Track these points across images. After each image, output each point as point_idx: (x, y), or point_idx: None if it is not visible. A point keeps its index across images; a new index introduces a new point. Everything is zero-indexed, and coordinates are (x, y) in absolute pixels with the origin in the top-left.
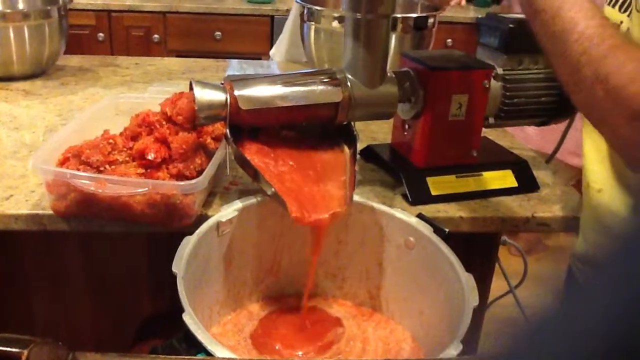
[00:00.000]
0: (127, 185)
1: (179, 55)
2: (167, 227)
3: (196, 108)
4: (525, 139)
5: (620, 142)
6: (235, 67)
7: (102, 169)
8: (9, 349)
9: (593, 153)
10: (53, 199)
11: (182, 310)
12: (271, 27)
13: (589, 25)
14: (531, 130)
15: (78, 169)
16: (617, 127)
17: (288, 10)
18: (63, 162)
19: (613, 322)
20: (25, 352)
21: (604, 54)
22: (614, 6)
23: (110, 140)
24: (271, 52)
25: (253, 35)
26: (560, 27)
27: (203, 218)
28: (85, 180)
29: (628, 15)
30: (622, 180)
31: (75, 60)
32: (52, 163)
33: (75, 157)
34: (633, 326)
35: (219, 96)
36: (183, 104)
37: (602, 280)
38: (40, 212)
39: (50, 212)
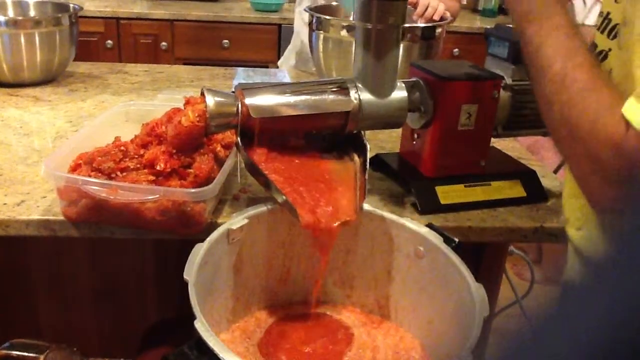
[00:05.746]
0: (139, 192)
1: (187, 62)
2: (177, 234)
3: (207, 116)
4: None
5: (582, 182)
6: (241, 75)
7: (113, 175)
8: (26, 353)
9: (571, 187)
10: (64, 205)
11: (188, 318)
12: (278, 35)
13: (566, 66)
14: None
15: (90, 176)
16: (579, 166)
17: None
18: (75, 169)
19: (615, 323)
20: (42, 357)
21: (571, 96)
22: (602, 32)
23: (122, 147)
24: (279, 62)
25: (260, 44)
26: (539, 63)
27: (213, 225)
28: (97, 187)
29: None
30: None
31: (84, 67)
32: (64, 169)
33: (87, 163)
34: (636, 326)
35: (230, 104)
36: (169, 135)
37: (603, 282)
38: (51, 217)
39: (61, 217)
